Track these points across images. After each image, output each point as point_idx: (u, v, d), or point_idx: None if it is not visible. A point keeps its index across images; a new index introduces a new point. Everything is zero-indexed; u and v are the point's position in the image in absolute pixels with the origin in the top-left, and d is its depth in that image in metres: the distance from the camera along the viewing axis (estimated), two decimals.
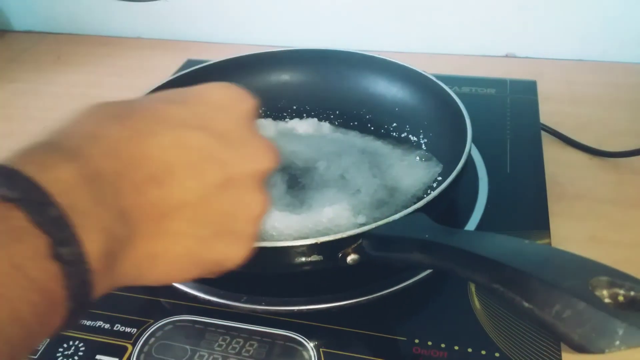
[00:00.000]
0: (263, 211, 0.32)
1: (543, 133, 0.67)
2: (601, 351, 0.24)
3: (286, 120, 0.68)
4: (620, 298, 0.26)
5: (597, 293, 0.26)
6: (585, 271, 0.27)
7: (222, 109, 0.32)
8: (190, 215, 0.29)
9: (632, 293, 0.26)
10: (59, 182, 0.23)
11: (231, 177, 0.30)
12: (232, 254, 0.32)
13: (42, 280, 0.22)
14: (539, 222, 0.54)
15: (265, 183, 0.32)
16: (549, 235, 0.52)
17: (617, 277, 0.26)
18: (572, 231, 0.54)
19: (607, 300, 0.26)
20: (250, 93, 0.34)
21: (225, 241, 0.31)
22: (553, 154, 0.64)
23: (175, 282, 0.34)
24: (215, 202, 0.30)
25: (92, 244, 0.23)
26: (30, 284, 0.21)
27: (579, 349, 0.25)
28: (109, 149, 0.26)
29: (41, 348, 0.44)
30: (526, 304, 0.28)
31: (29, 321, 0.22)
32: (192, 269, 0.31)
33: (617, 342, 0.24)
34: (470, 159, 0.58)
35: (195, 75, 0.66)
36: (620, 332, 0.24)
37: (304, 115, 0.69)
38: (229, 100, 0.33)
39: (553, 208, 0.56)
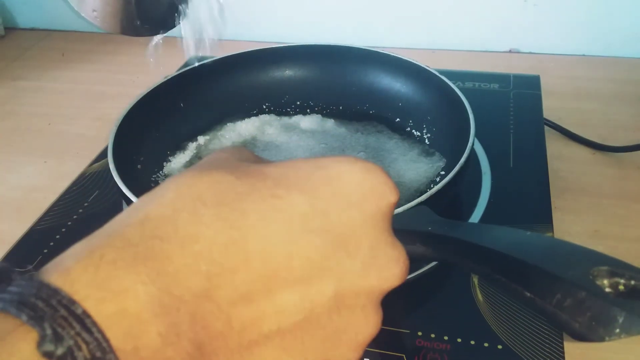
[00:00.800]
0: (372, 336, 0.25)
1: (546, 128, 0.67)
2: (601, 339, 0.24)
3: (290, 115, 0.68)
4: (621, 287, 0.26)
5: (598, 282, 0.26)
6: (586, 261, 0.27)
7: (353, 204, 0.24)
8: (285, 342, 0.22)
9: (632, 282, 0.26)
10: (125, 318, 0.18)
11: (344, 295, 0.23)
12: None
13: None
14: (542, 216, 0.54)
15: (380, 302, 0.25)
16: (551, 230, 0.52)
17: (617, 267, 0.26)
18: (575, 226, 0.54)
19: (607, 290, 0.26)
20: (393, 184, 0.25)
21: None
22: (556, 149, 0.65)
23: None
24: (318, 325, 0.23)
25: None
26: None
27: (580, 337, 0.25)
28: (205, 265, 0.20)
29: None
30: (527, 294, 0.28)
31: None
32: None
33: (617, 330, 0.24)
34: (473, 153, 0.59)
35: (199, 72, 0.66)
36: (621, 320, 0.24)
37: (308, 110, 0.69)
38: (366, 191, 0.24)
39: (556, 202, 0.56)
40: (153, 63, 0.91)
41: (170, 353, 0.19)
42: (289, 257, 0.22)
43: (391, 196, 0.25)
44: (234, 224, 0.21)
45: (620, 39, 0.82)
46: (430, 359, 0.42)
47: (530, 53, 0.86)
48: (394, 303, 0.46)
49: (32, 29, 1.06)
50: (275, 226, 0.22)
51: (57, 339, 0.17)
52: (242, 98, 0.69)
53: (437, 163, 0.58)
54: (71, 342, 0.17)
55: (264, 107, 0.70)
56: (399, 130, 0.64)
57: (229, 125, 0.66)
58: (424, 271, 0.47)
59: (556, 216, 0.54)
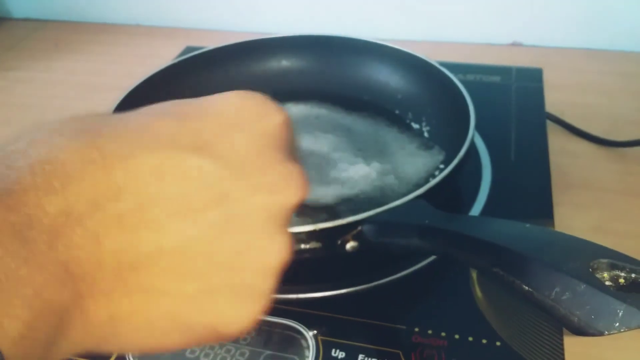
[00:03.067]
0: (281, 260, 0.24)
1: (549, 122, 0.66)
2: (600, 333, 0.23)
3: (286, 106, 0.67)
4: (621, 280, 0.25)
5: (598, 275, 0.25)
6: (586, 253, 0.26)
7: (234, 126, 0.24)
8: (169, 266, 0.21)
9: (633, 275, 0.25)
10: None
11: (237, 215, 0.23)
12: (234, 317, 0.23)
13: None
14: (543, 211, 0.53)
15: (287, 222, 0.24)
16: (553, 225, 0.51)
17: (618, 260, 0.26)
18: (577, 221, 0.54)
19: (608, 283, 0.25)
20: (279, 106, 0.26)
21: (224, 300, 0.23)
22: (558, 143, 0.64)
23: (153, 351, 0.24)
24: (210, 248, 0.22)
25: (11, 321, 0.17)
26: None
27: (579, 331, 0.24)
28: (59, 181, 0.19)
29: None
30: (526, 287, 0.27)
31: None
32: (175, 336, 0.23)
33: (617, 324, 0.23)
34: (473, 147, 0.58)
35: (194, 61, 0.65)
36: (620, 313, 0.23)
37: (305, 101, 0.68)
38: (247, 114, 0.25)
39: (558, 197, 0.55)
40: (148, 53, 0.91)
41: (32, 276, 0.18)
42: (167, 175, 0.21)
43: (275, 116, 0.25)
44: (100, 146, 0.20)
45: (624, 33, 0.81)
46: (427, 356, 0.42)
47: (533, 46, 0.85)
48: (391, 298, 0.46)
49: (26, 19, 1.05)
50: (145, 145, 0.21)
51: None
52: (237, 89, 0.68)
53: (436, 156, 0.57)
54: None
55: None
56: (398, 123, 0.63)
57: None
58: (421, 266, 0.47)
59: (558, 211, 0.53)
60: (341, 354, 0.42)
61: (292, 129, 0.27)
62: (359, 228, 0.41)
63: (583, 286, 0.24)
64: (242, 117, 0.25)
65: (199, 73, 0.66)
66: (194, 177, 0.22)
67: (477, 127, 0.51)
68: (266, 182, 0.24)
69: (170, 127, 0.23)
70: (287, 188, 0.24)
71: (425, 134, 0.61)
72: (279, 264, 0.24)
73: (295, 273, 0.46)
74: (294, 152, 0.27)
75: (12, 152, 0.20)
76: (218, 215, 0.22)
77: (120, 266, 0.20)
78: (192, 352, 0.42)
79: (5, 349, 0.17)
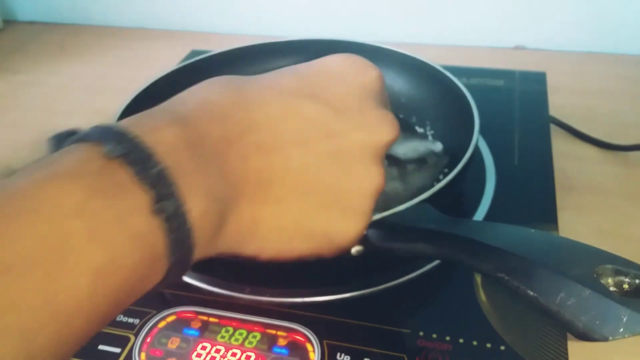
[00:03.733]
0: (377, 186, 0.31)
1: (552, 125, 0.66)
2: (605, 339, 0.24)
3: None
4: (626, 286, 0.25)
5: (603, 281, 0.25)
6: (591, 259, 0.27)
7: (339, 80, 0.31)
8: (296, 183, 0.29)
9: (637, 281, 0.25)
10: (163, 143, 0.24)
11: (342, 148, 0.30)
12: (343, 228, 0.31)
13: (143, 234, 0.22)
14: (547, 215, 0.53)
15: (381, 157, 0.32)
16: (556, 229, 0.51)
17: (622, 265, 0.26)
18: (581, 225, 0.54)
19: (612, 289, 0.25)
20: (371, 64, 0.33)
21: (335, 214, 0.30)
22: (562, 147, 0.64)
23: (282, 257, 0.31)
24: (323, 172, 0.29)
25: (194, 201, 0.24)
26: (132, 237, 0.22)
27: (584, 336, 0.24)
28: (217, 114, 0.27)
29: None
30: (531, 292, 0.27)
31: (128, 272, 0.22)
32: (300, 240, 0.30)
33: (622, 330, 0.23)
34: (477, 150, 0.58)
35: (199, 65, 0.66)
36: (625, 318, 0.23)
37: None
38: (349, 70, 0.32)
39: (561, 201, 0.55)
40: (153, 56, 0.91)
41: (205, 175, 0.25)
42: (291, 115, 0.29)
43: (371, 72, 0.33)
44: (243, 94, 0.29)
45: (628, 36, 0.81)
46: None
47: (536, 49, 0.85)
48: (395, 302, 0.46)
49: (31, 22, 1.06)
50: (273, 94, 0.29)
51: (168, 198, 0.23)
52: None
53: (440, 160, 0.57)
54: (174, 203, 0.23)
55: None
56: (402, 127, 0.63)
57: None
58: (426, 270, 0.47)
59: (561, 215, 0.53)
60: (346, 358, 0.42)
61: (384, 82, 0.34)
62: (364, 232, 0.41)
63: (588, 292, 0.25)
64: (345, 72, 0.32)
65: (205, 76, 0.66)
66: (310, 117, 0.29)
67: (481, 131, 0.51)
68: (365, 123, 0.30)
69: (294, 82, 0.30)
70: (381, 128, 0.31)
71: (430, 138, 0.61)
72: (374, 189, 0.31)
73: (301, 276, 0.47)
74: (385, 102, 0.34)
75: (179, 96, 0.29)
76: (329, 147, 0.29)
77: (260, 180, 0.28)
78: (198, 355, 0.42)
79: (193, 218, 0.24)
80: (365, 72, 0.33)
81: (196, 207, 0.24)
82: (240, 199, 0.27)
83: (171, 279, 0.25)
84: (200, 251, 0.25)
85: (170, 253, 0.23)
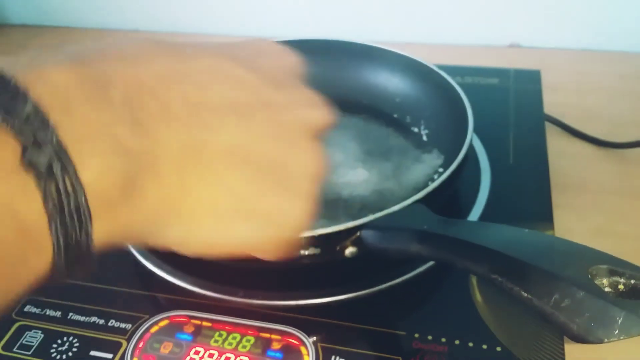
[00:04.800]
0: (321, 169, 0.27)
1: (547, 124, 0.66)
2: (600, 341, 0.23)
3: None
4: (621, 287, 0.25)
5: (597, 282, 0.25)
6: (585, 260, 0.26)
7: (271, 57, 0.30)
8: (234, 150, 0.24)
9: (632, 282, 0.25)
10: (48, 82, 0.19)
11: (283, 121, 0.26)
12: (288, 210, 0.25)
13: (7, 197, 0.17)
14: (543, 214, 0.53)
15: (321, 140, 0.28)
16: (552, 227, 0.51)
17: (617, 266, 0.26)
18: (577, 223, 0.53)
19: (607, 289, 0.25)
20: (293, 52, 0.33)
21: (279, 192, 0.25)
22: (557, 145, 0.63)
23: (214, 247, 0.24)
24: (264, 144, 0.25)
25: (87, 153, 0.19)
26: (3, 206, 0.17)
27: (578, 338, 0.24)
28: (132, 58, 0.23)
29: (35, 344, 0.44)
30: (525, 294, 0.27)
31: (7, 254, 0.17)
32: (239, 221, 0.24)
33: (617, 332, 0.23)
34: (472, 150, 0.57)
35: None
36: (620, 320, 0.23)
37: None
38: (277, 50, 0.32)
39: (557, 200, 0.55)
40: None
41: (119, 129, 0.20)
42: (230, 80, 0.25)
43: (296, 56, 0.32)
44: (176, 52, 0.25)
45: (623, 33, 0.81)
46: None
47: (531, 47, 0.85)
48: (390, 304, 0.46)
49: (23, 25, 1.05)
50: (212, 54, 0.26)
51: (39, 149, 0.17)
52: None
53: (435, 160, 0.56)
54: (51, 153, 0.17)
55: None
56: (397, 126, 0.63)
57: None
58: (421, 271, 0.46)
59: (557, 214, 0.53)
60: None
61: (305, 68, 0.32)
62: (358, 234, 0.41)
63: (582, 293, 0.24)
64: (275, 51, 0.31)
65: None
66: (245, 82, 0.26)
67: (476, 130, 0.51)
68: (303, 100, 0.28)
69: (224, 48, 0.28)
70: (320, 109, 0.29)
71: (424, 138, 0.61)
72: (318, 172, 0.27)
73: (295, 279, 0.47)
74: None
75: (102, 46, 0.23)
76: (268, 117, 0.25)
77: (188, 140, 0.22)
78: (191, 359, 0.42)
79: (86, 177, 0.18)
80: (293, 56, 0.32)
81: (92, 162, 0.18)
82: (161, 160, 0.21)
83: (67, 270, 0.19)
84: (103, 229, 0.19)
85: (52, 227, 0.18)
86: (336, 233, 0.41)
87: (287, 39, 0.69)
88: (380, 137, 0.61)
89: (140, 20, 0.99)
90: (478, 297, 0.46)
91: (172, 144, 0.22)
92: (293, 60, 0.32)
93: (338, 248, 0.42)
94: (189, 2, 0.95)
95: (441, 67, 0.61)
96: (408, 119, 0.63)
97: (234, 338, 0.43)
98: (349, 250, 0.42)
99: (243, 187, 0.24)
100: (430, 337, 0.43)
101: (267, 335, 0.43)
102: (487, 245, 0.31)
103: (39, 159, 0.17)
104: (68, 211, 0.18)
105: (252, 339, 0.43)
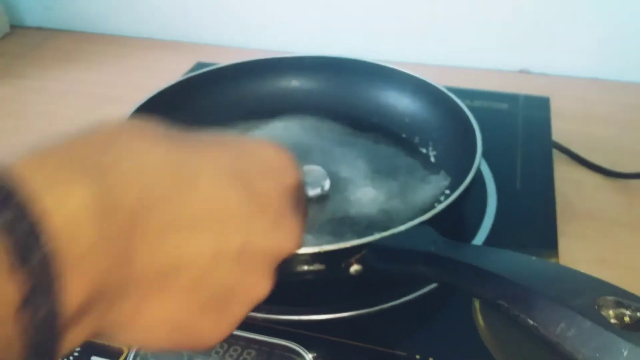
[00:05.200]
0: (261, 298, 0.28)
1: (555, 151, 0.66)
2: None
3: (294, 121, 0.68)
4: (627, 319, 0.25)
5: (603, 312, 0.25)
6: (592, 290, 0.26)
7: (268, 173, 0.28)
8: (196, 277, 0.24)
9: (638, 314, 0.25)
10: (64, 210, 0.19)
11: (249, 250, 0.26)
12: (211, 332, 0.27)
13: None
14: (548, 241, 0.53)
15: (275, 268, 0.28)
16: (557, 255, 0.51)
17: (624, 297, 0.26)
18: (581, 252, 0.53)
19: (613, 321, 0.25)
20: (297, 167, 0.31)
21: (214, 316, 0.26)
22: (564, 173, 0.64)
23: (148, 349, 0.30)
24: (224, 271, 0.25)
25: (75, 292, 0.19)
26: None
27: None
28: (140, 174, 0.22)
29: None
30: (531, 321, 0.27)
31: None
32: (174, 336, 0.26)
33: None
34: (479, 173, 0.58)
35: (206, 77, 0.66)
36: (625, 352, 0.23)
37: (312, 121, 0.68)
38: (279, 166, 0.30)
39: (562, 227, 0.55)
40: (159, 67, 0.92)
41: (105, 256, 0.20)
42: (220, 196, 0.25)
43: (297, 174, 0.31)
44: (171, 155, 0.24)
45: (633, 64, 0.82)
46: None
47: (541, 74, 0.86)
48: (392, 323, 0.46)
49: (39, 28, 1.06)
50: (206, 166, 0.25)
51: (42, 294, 0.18)
52: (248, 107, 0.69)
53: (442, 182, 0.57)
54: (52, 301, 0.18)
55: (267, 116, 0.69)
56: (405, 146, 0.63)
57: (229, 133, 0.66)
58: (423, 292, 0.46)
59: (562, 242, 0.53)
60: None
61: (304, 187, 0.32)
62: (363, 252, 0.41)
63: (588, 323, 0.24)
64: (274, 167, 0.29)
65: (210, 89, 0.67)
66: (233, 206, 0.26)
67: (484, 154, 0.51)
68: (277, 229, 0.27)
69: (229, 157, 0.27)
70: (290, 240, 0.28)
71: (432, 159, 0.61)
72: (258, 300, 0.28)
73: (298, 294, 0.47)
74: (301, 206, 0.31)
75: (99, 134, 0.23)
76: (238, 244, 0.25)
77: (161, 269, 0.23)
78: None
79: (66, 314, 0.19)
80: (291, 173, 0.30)
81: (75, 299, 0.19)
82: (133, 287, 0.22)
83: None
84: (66, 344, 0.20)
85: (28, 347, 0.19)
86: (342, 250, 0.41)
87: (300, 55, 0.70)
88: (388, 156, 0.62)
89: (156, 28, 1.00)
90: (480, 320, 0.46)
91: (150, 273, 0.23)
92: (291, 181, 0.30)
93: (343, 265, 0.42)
94: (205, 13, 0.96)
95: (451, 89, 0.61)
96: (416, 140, 0.64)
97: (235, 350, 0.43)
98: (354, 268, 0.42)
99: (188, 313, 0.25)
100: (431, 359, 0.43)
101: (267, 349, 0.43)
102: (494, 270, 0.31)
103: (37, 306, 0.18)
104: (40, 319, 0.19)
105: (253, 352, 0.43)
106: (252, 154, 0.29)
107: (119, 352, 0.43)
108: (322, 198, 0.54)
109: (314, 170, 0.56)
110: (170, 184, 0.23)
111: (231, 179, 0.26)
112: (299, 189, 0.31)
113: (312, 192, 0.53)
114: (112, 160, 0.22)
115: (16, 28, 1.05)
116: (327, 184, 0.55)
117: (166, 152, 0.24)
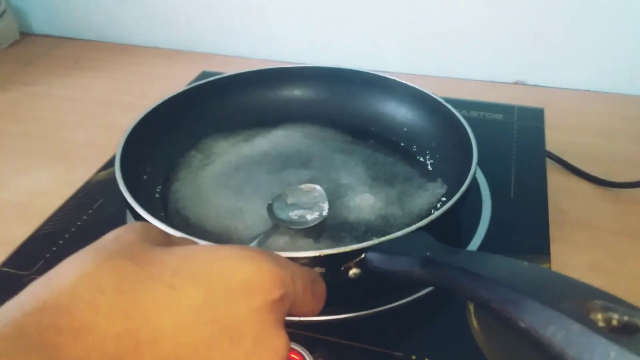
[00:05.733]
0: None
1: (548, 161, 0.68)
2: None
3: (295, 130, 0.69)
4: (614, 322, 0.26)
5: (592, 316, 0.26)
6: (581, 294, 0.27)
7: (241, 298, 0.26)
8: None
9: (625, 318, 0.26)
10: None
11: None
12: None
13: None
14: (540, 247, 0.54)
15: None
16: (549, 261, 0.53)
17: (612, 302, 0.27)
18: (573, 259, 0.55)
19: (601, 324, 0.26)
20: (281, 279, 0.28)
21: None
22: (557, 182, 0.65)
23: None
24: None
25: None
26: None
27: None
28: (91, 350, 0.22)
29: None
30: (522, 324, 0.28)
31: None
32: None
33: None
34: (475, 182, 0.59)
35: (210, 86, 0.67)
36: (612, 354, 0.24)
37: (314, 129, 0.70)
38: (254, 287, 0.27)
39: (554, 234, 0.56)
40: (165, 75, 0.93)
41: None
42: (177, 347, 0.24)
43: (277, 290, 0.27)
44: (128, 313, 0.23)
45: (627, 76, 0.83)
46: None
47: (535, 85, 0.87)
48: (389, 325, 0.47)
49: (47, 36, 1.07)
50: (167, 317, 0.24)
51: None
52: (250, 115, 0.70)
53: (438, 189, 0.58)
54: None
55: (270, 124, 0.70)
56: (403, 155, 0.65)
57: (232, 141, 0.67)
58: (420, 295, 0.48)
59: (554, 248, 0.54)
60: None
61: (290, 300, 0.29)
62: (362, 256, 0.42)
63: (577, 326, 0.25)
64: (250, 287, 0.27)
65: (215, 98, 0.68)
66: (206, 348, 0.25)
67: (479, 163, 0.52)
68: (258, 354, 0.26)
69: (195, 299, 0.25)
70: (274, 358, 0.27)
71: (429, 167, 0.63)
72: None
73: None
74: (282, 315, 0.29)
75: (59, 309, 0.23)
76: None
77: None
78: None
79: None
80: (270, 292, 0.27)
81: None
82: None
83: None
84: None
85: None
86: (341, 254, 0.42)
87: (302, 66, 0.72)
88: (386, 164, 0.63)
89: (162, 38, 1.01)
90: (474, 323, 0.47)
91: None
92: (270, 298, 0.27)
93: (342, 269, 0.43)
94: (210, 23, 0.97)
95: (448, 100, 0.62)
96: (414, 148, 0.65)
97: None
98: (353, 272, 0.43)
99: None
100: None
101: None
102: (488, 275, 0.32)
103: None
104: None
105: None
106: (224, 276, 0.26)
107: None
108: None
109: (314, 190, 0.56)
110: (123, 344, 0.23)
111: (198, 323, 0.25)
112: (280, 303, 0.28)
113: (310, 217, 0.53)
114: (59, 338, 0.22)
115: (25, 36, 1.06)
116: (325, 208, 0.54)
117: (119, 310, 0.23)
